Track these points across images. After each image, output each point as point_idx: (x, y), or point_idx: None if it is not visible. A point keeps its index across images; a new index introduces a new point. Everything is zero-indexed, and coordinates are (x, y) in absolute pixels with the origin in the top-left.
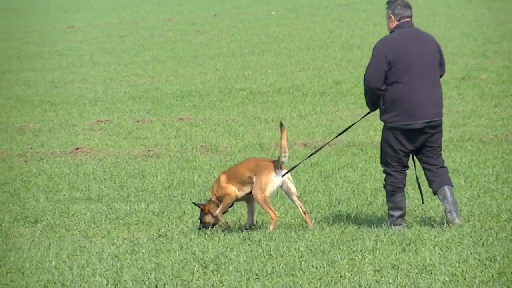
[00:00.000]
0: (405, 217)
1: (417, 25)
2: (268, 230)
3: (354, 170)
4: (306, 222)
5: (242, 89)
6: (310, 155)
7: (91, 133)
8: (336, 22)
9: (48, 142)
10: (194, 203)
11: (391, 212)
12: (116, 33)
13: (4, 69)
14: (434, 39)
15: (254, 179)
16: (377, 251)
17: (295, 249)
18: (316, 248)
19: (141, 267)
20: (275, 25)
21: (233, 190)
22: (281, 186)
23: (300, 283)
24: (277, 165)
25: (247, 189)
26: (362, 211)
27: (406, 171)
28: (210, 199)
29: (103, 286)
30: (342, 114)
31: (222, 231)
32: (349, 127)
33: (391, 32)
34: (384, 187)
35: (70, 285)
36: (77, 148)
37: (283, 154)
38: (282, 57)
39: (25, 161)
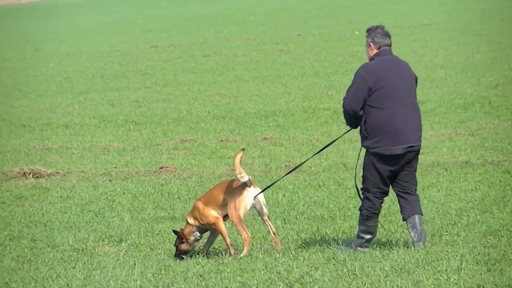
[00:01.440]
0: (371, 241)
1: None
2: (242, 254)
3: (438, 190)
4: (275, 243)
5: (326, 109)
6: (283, 176)
7: (175, 153)
8: (420, 42)
9: (132, 161)
10: (174, 231)
11: (362, 235)
12: (200, 53)
13: (88, 89)
14: (410, 67)
15: (227, 200)
16: (462, 271)
17: (380, 268)
18: (401, 268)
19: (226, 286)
20: (359, 44)
21: (215, 215)
22: (255, 206)
23: None
24: (249, 184)
25: (223, 212)
26: (447, 231)
27: (384, 197)
28: (187, 222)
29: None
30: (426, 134)
31: (198, 253)
32: (328, 145)
33: (371, 59)
34: (360, 210)
35: None
36: (161, 168)
37: (238, 175)
38: None
39: (110, 180)
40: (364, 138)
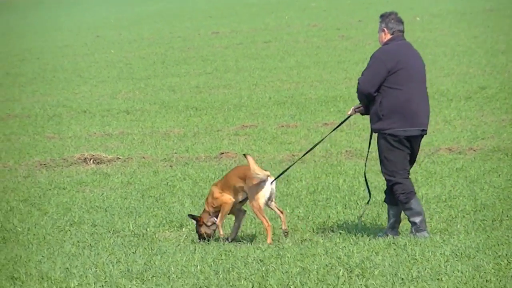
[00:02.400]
0: (425, 222)
1: None
2: (267, 242)
3: (499, 175)
4: (282, 222)
5: None
6: (289, 167)
7: (236, 138)
8: (481, 28)
9: (193, 147)
10: (189, 215)
11: (412, 220)
12: (261, 39)
13: (149, 75)
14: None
15: (245, 188)
16: None
17: (441, 253)
18: (461, 253)
19: (287, 271)
20: (420, 30)
21: (229, 197)
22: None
23: (446, 287)
24: (267, 173)
25: (240, 197)
26: (507, 216)
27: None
28: (204, 210)
29: None
30: (487, 119)
31: (218, 240)
32: (333, 130)
33: (385, 44)
34: (397, 198)
35: None
36: (222, 153)
37: (256, 175)
38: (427, 63)
39: (170, 166)
40: (377, 119)
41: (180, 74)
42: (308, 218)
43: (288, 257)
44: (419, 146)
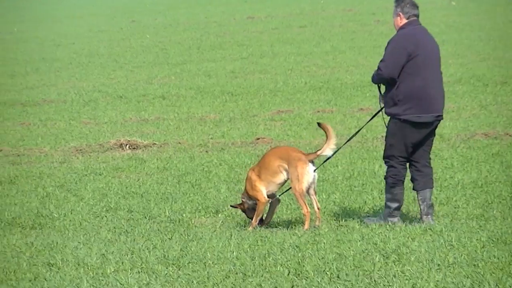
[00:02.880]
0: (400, 210)
1: None
2: (303, 228)
3: None
4: (316, 217)
5: None
6: (331, 155)
7: (271, 124)
8: None
9: (229, 132)
10: (232, 205)
11: (389, 203)
12: (296, 24)
13: (185, 60)
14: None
15: (286, 168)
16: None
17: (477, 239)
18: (498, 239)
19: (323, 257)
20: (456, 15)
21: (263, 196)
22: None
23: (482, 273)
24: (311, 158)
25: (278, 179)
26: None
27: (407, 164)
28: (243, 195)
29: (284, 276)
30: None
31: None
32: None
33: (401, 28)
34: (385, 179)
35: (252, 275)
36: (258, 138)
37: (330, 147)
38: (462, 47)
39: (206, 151)
40: (392, 104)
41: (216, 59)
42: (344, 203)
43: (324, 243)
44: (434, 132)
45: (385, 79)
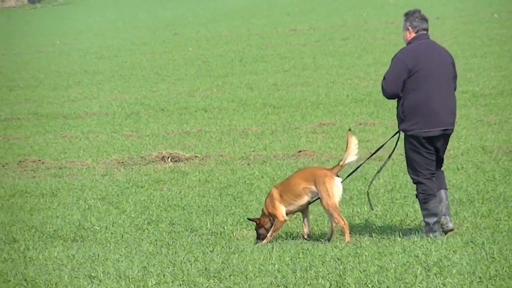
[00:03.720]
0: (439, 223)
1: None
2: (345, 241)
3: None
4: (332, 232)
5: (464, 92)
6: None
7: (313, 136)
8: None
9: (271, 145)
10: (249, 219)
11: (427, 220)
12: (339, 36)
13: (227, 72)
14: (449, 52)
15: (313, 190)
16: None
17: None
18: None
19: (364, 270)
20: (498, 27)
21: (282, 215)
22: None
23: None
24: (336, 171)
25: (301, 202)
26: None
27: (434, 177)
28: (263, 212)
29: None
30: None
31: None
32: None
33: (409, 43)
34: (416, 197)
35: (293, 287)
36: (300, 151)
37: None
38: (505, 60)
39: (248, 164)
40: (401, 120)
41: (258, 72)
42: (385, 216)
43: (365, 255)
44: (444, 145)
45: (388, 96)
